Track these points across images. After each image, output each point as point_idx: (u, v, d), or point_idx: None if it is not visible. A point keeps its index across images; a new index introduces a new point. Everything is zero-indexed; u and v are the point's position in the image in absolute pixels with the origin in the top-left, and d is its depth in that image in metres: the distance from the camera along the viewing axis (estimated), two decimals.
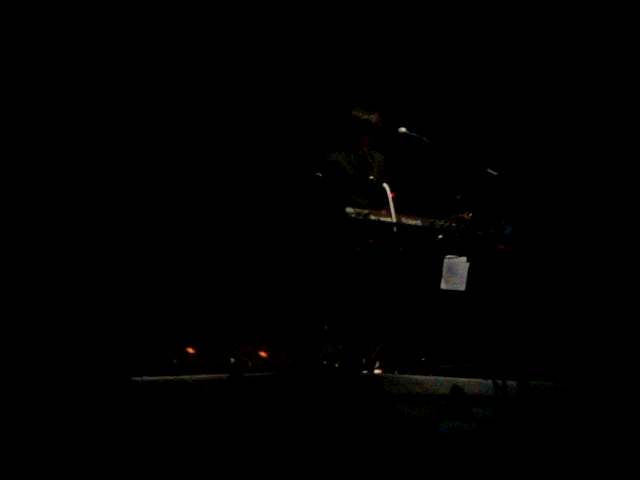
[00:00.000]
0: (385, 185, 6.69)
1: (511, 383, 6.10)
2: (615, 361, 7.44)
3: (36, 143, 7.20)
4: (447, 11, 8.27)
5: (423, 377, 6.19)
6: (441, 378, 6.13)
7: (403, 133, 6.78)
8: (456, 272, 6.44)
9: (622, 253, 8.02)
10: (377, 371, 6.66)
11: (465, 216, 6.63)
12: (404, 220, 6.59)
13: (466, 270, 6.46)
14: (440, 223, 6.57)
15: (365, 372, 6.57)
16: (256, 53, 7.97)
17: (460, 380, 6.07)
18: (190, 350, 7.01)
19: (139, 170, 7.55)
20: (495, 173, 6.66)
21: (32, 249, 7.11)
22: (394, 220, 6.56)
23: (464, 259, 6.47)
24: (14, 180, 7.07)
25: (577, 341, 7.57)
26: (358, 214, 6.55)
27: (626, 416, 5.91)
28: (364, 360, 6.62)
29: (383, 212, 6.55)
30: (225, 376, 6.53)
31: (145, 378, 6.28)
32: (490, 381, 6.12)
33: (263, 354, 7.07)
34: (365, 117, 6.88)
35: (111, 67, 7.44)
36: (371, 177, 6.88)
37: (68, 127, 7.32)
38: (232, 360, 6.92)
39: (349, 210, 6.55)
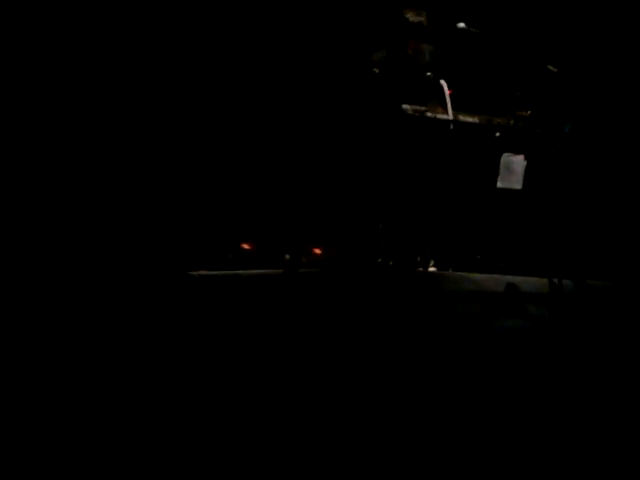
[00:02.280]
0: (442, 81, 6.60)
1: (567, 282, 6.08)
2: None
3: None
4: None
5: (478, 275, 6.20)
6: (496, 276, 6.14)
7: (462, 28, 6.66)
8: (513, 170, 6.38)
9: None
10: (431, 269, 6.66)
11: (523, 113, 6.54)
12: (461, 117, 6.52)
13: (523, 168, 6.39)
14: (498, 120, 6.49)
15: (420, 269, 6.57)
16: None
17: (515, 278, 6.07)
18: (245, 246, 7.06)
19: None
20: (555, 70, 6.53)
21: None
22: (451, 117, 6.49)
23: (521, 157, 6.40)
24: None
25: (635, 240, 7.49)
26: (415, 111, 6.49)
27: None
28: (418, 258, 6.62)
29: (440, 109, 6.48)
30: (280, 271, 6.59)
31: (201, 272, 6.36)
32: (546, 279, 6.11)
33: (317, 251, 7.10)
34: (415, 19, 6.72)
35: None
36: (428, 73, 6.78)
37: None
38: (287, 256, 6.96)
39: (405, 107, 6.49)
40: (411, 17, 6.71)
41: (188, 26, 7.48)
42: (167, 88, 7.37)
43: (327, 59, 7.71)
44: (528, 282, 6.11)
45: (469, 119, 6.53)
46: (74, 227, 6.79)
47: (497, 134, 6.48)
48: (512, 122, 6.49)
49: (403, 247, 6.56)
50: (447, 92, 6.56)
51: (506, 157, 6.40)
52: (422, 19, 6.70)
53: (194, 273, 6.38)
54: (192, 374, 4.49)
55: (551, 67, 6.54)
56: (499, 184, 6.38)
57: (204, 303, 5.78)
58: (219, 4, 7.55)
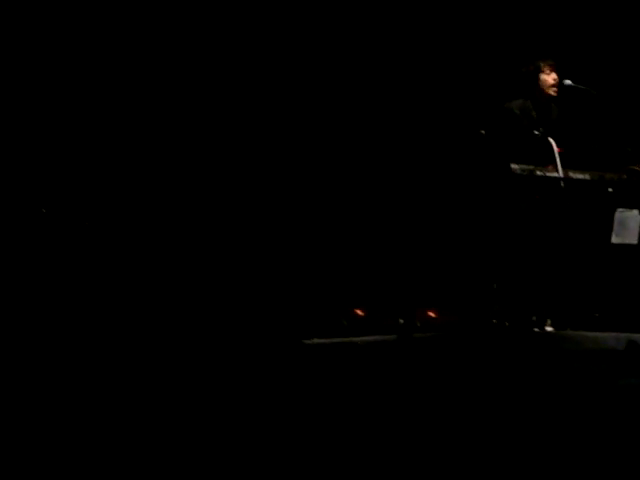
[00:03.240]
0: (551, 140, 6.55)
1: None
2: None
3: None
4: None
5: (597, 333, 6.07)
6: (615, 334, 5.99)
7: (569, 85, 6.62)
8: (628, 225, 6.27)
9: None
10: (549, 328, 6.55)
11: (636, 168, 6.44)
12: (571, 174, 6.45)
13: (638, 223, 6.28)
14: (610, 176, 6.40)
15: (536, 330, 6.47)
16: None
17: (636, 335, 5.92)
18: (359, 312, 7.04)
19: None
20: None
21: None
22: (561, 175, 6.42)
23: (636, 212, 6.29)
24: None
25: None
26: (523, 170, 6.44)
27: None
28: (534, 317, 6.51)
29: (549, 167, 6.43)
30: (394, 337, 6.54)
31: (316, 340, 6.34)
32: None
33: (432, 314, 7.05)
34: (551, 76, 6.70)
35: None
36: (536, 132, 6.74)
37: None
38: (401, 321, 6.91)
39: (514, 166, 6.45)
40: (546, 68, 6.68)
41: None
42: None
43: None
44: None
45: (580, 176, 6.46)
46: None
47: (610, 189, 6.39)
48: (625, 177, 6.39)
49: (519, 307, 6.47)
50: (556, 150, 6.50)
51: (620, 212, 6.30)
52: (556, 76, 6.69)
53: (308, 342, 6.37)
54: (305, 443, 4.47)
55: None
56: (614, 240, 6.27)
57: (318, 372, 5.76)
58: None
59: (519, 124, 6.65)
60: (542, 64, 6.68)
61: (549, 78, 6.69)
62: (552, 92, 6.68)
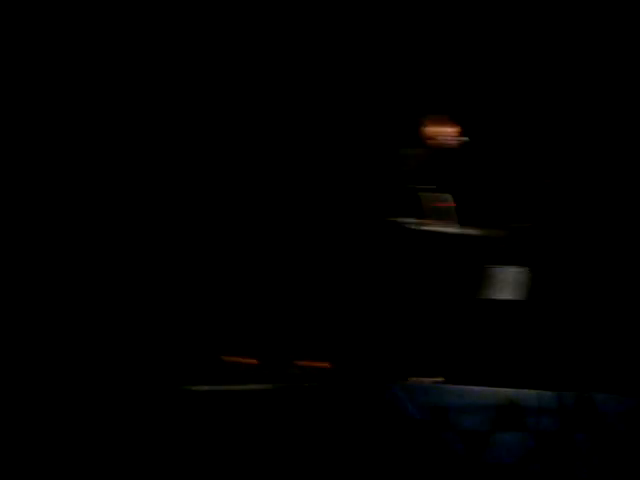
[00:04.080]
0: (444, 194, 6.63)
1: (569, 394, 5.99)
2: None
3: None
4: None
5: (474, 387, 6.11)
6: (492, 388, 6.04)
7: (467, 141, 6.74)
8: (507, 281, 6.36)
9: None
10: (426, 380, 6.59)
11: (521, 225, 6.55)
12: (462, 229, 6.53)
13: (517, 278, 6.38)
14: (489, 232, 6.50)
15: (413, 381, 6.51)
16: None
17: (513, 391, 5.98)
18: (244, 360, 7.02)
19: None
20: (554, 181, 6.57)
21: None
22: (452, 230, 6.50)
23: (515, 268, 6.39)
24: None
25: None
26: (416, 224, 6.51)
27: None
28: (411, 369, 6.56)
29: (434, 221, 6.51)
30: (280, 385, 6.54)
31: (198, 387, 6.32)
32: (548, 392, 6.03)
33: (316, 365, 7.05)
34: (435, 123, 6.81)
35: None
36: (431, 186, 6.82)
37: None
38: (287, 370, 6.91)
39: (408, 220, 6.52)
40: (432, 121, 6.79)
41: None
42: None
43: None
44: (528, 395, 6.02)
45: (470, 231, 6.54)
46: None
47: (497, 245, 6.47)
48: (504, 233, 6.49)
49: (395, 358, 6.51)
50: (448, 205, 6.59)
51: (500, 268, 6.39)
52: (445, 124, 6.79)
53: (194, 388, 6.35)
54: None
55: (550, 179, 6.57)
56: (494, 295, 6.36)
57: (199, 420, 5.75)
58: None
59: (407, 174, 6.74)
60: (435, 116, 6.79)
61: (443, 130, 6.78)
62: (446, 144, 6.77)
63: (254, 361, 6.99)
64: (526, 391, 6.02)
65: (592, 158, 7.82)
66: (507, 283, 6.37)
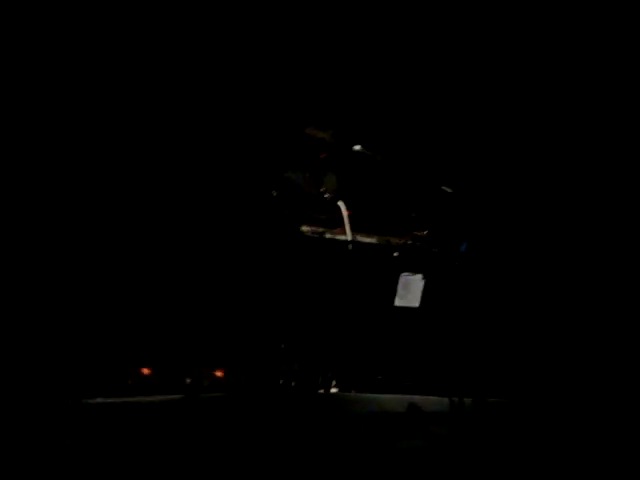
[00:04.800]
0: (340, 203, 6.67)
1: (467, 400, 6.11)
2: (570, 376, 7.47)
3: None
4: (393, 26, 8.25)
5: (380, 396, 6.18)
6: (398, 396, 6.12)
7: (358, 151, 6.77)
8: (411, 289, 6.43)
9: (576, 267, 8.05)
10: (334, 390, 6.63)
11: (420, 234, 6.63)
12: (359, 238, 6.58)
13: (421, 287, 6.45)
14: (396, 241, 6.56)
15: (322, 391, 6.53)
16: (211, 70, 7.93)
17: (417, 398, 6.06)
18: (145, 371, 6.94)
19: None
20: (450, 190, 6.66)
21: None
22: (349, 238, 6.54)
23: (419, 276, 6.46)
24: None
25: (530, 356, 7.60)
26: (313, 232, 6.53)
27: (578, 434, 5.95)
28: (320, 379, 6.58)
29: (338, 230, 6.54)
30: (180, 396, 6.48)
31: (99, 400, 6.21)
32: (446, 399, 6.14)
33: (219, 374, 7.02)
34: (319, 135, 6.88)
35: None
36: (326, 195, 6.86)
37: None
38: (187, 380, 6.86)
39: (304, 228, 6.53)
40: (316, 134, 6.84)
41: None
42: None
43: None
44: (430, 401, 6.12)
45: (367, 239, 6.59)
46: None
47: (395, 254, 6.54)
48: (409, 242, 6.56)
49: (305, 368, 6.53)
50: (345, 213, 6.62)
51: (404, 276, 6.46)
52: (327, 135, 6.84)
53: (90, 401, 6.24)
54: None
55: (445, 188, 6.66)
56: (397, 302, 6.42)
57: (100, 433, 5.65)
58: None
59: (303, 190, 6.80)
60: (315, 132, 6.85)
61: (334, 139, 6.84)
62: (326, 159, 6.86)
63: (150, 371, 6.92)
64: (427, 397, 6.13)
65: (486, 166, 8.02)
66: (406, 291, 6.44)
